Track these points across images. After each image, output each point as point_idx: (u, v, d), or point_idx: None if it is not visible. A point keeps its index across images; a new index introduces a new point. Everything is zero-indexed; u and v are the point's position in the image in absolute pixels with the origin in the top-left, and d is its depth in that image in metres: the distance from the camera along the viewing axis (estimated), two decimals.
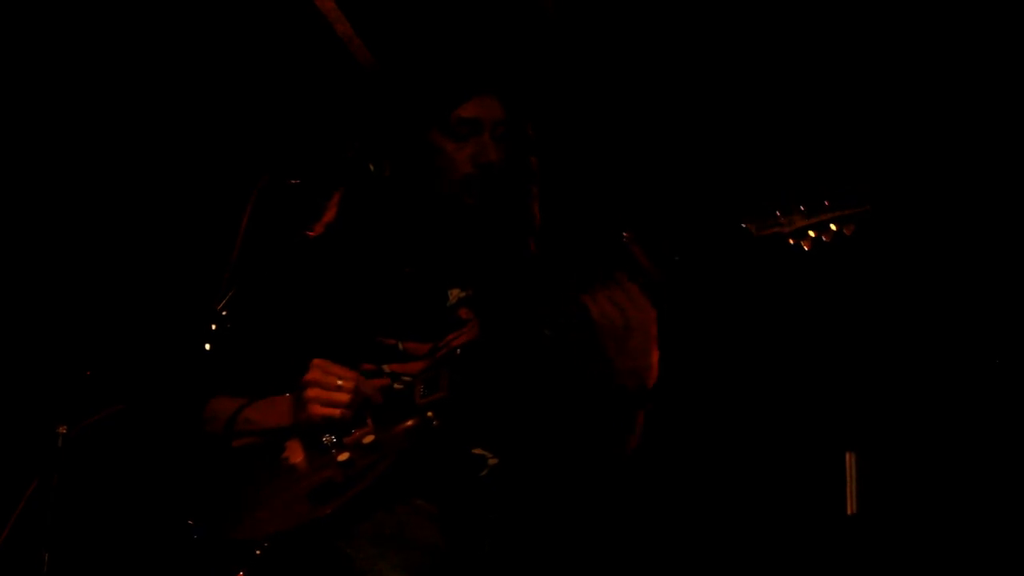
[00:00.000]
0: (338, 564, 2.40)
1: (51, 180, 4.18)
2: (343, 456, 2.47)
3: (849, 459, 3.20)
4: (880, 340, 3.37)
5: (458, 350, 2.52)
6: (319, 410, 2.48)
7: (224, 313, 2.53)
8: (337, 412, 2.48)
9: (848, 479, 3.20)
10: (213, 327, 2.52)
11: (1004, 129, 3.31)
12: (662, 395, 2.49)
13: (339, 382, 2.49)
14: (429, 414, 2.48)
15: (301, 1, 3.86)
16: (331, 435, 2.50)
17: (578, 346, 2.46)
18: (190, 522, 2.49)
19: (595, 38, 3.77)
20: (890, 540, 3.27)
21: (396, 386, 2.54)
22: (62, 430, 2.88)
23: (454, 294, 2.68)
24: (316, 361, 2.51)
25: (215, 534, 2.49)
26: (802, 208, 2.43)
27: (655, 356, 2.44)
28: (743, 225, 2.42)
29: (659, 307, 2.44)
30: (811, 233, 2.42)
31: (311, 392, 2.48)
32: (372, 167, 2.65)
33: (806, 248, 2.42)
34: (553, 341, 2.48)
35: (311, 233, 2.69)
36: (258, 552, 2.42)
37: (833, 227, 2.41)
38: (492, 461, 2.57)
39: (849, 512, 3.22)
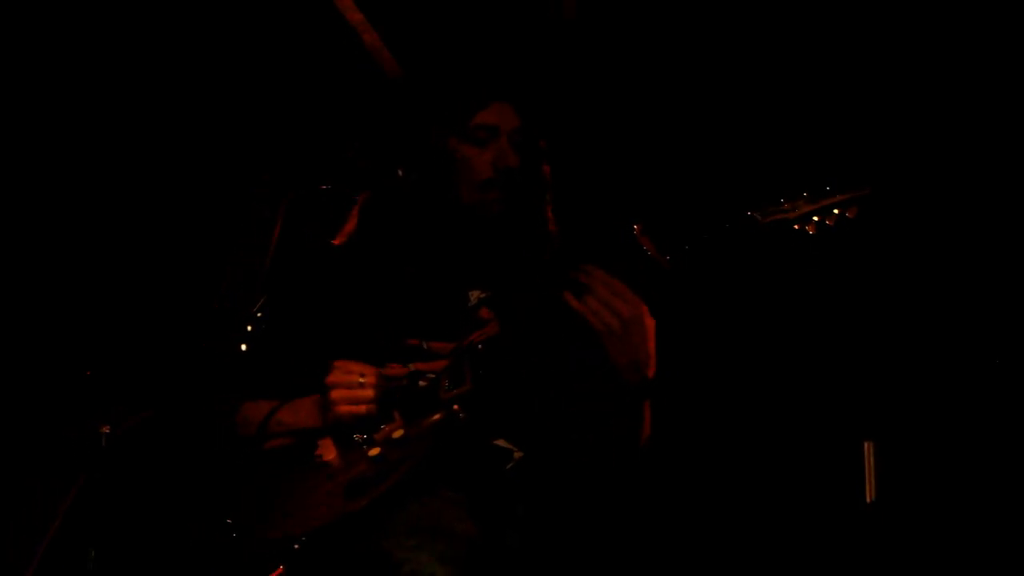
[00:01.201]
0: (376, 558, 2.47)
1: (88, 187, 4.26)
2: (374, 451, 2.56)
3: (868, 448, 3.25)
4: (889, 322, 3.42)
5: (479, 345, 2.60)
6: (345, 408, 2.57)
7: (259, 316, 2.63)
8: (363, 409, 2.57)
9: (867, 467, 3.25)
10: (249, 329, 2.61)
11: (1002, 116, 3.37)
12: (677, 384, 2.56)
13: (360, 379, 2.58)
14: (455, 407, 2.56)
15: (330, 12, 3.94)
16: (361, 432, 2.59)
17: (578, 352, 2.56)
18: (228, 521, 2.58)
19: (603, 38, 3.85)
20: (908, 527, 3.32)
21: (422, 383, 2.63)
22: (105, 430, 2.97)
23: (474, 295, 2.77)
24: (336, 362, 2.60)
25: (253, 532, 2.57)
26: (805, 194, 2.49)
27: (652, 347, 2.50)
28: (749, 213, 2.49)
29: (669, 295, 2.52)
30: (815, 218, 2.47)
31: (335, 393, 2.57)
32: (400, 172, 2.75)
33: (811, 232, 2.47)
34: (567, 338, 2.56)
35: (335, 241, 2.79)
36: (296, 547, 2.50)
37: (836, 211, 2.47)
38: (517, 455, 2.66)
39: (868, 500, 3.27)
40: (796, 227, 2.49)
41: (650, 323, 2.49)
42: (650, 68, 3.74)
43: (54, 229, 4.05)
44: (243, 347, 2.68)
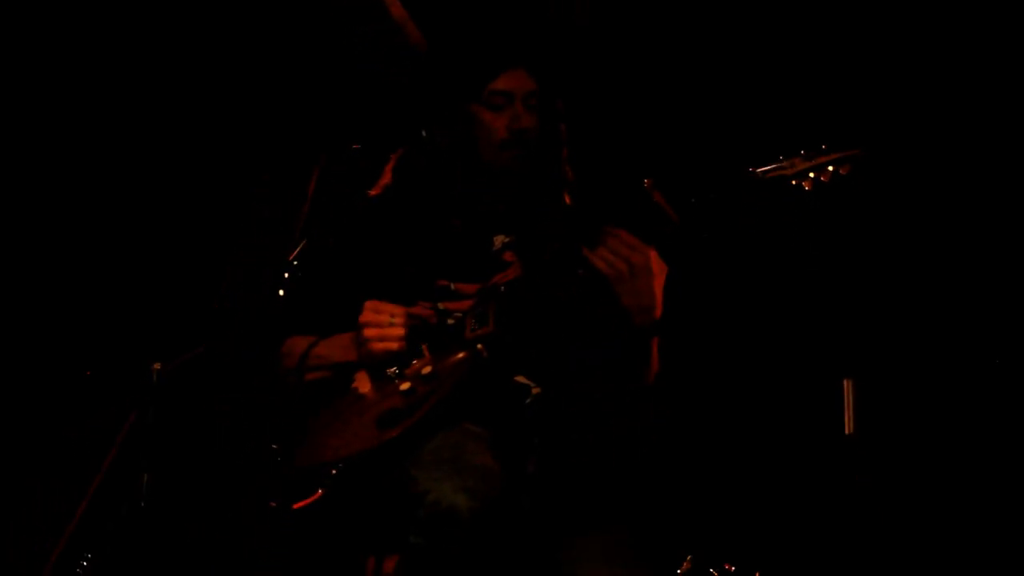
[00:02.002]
0: (404, 483, 2.61)
1: (141, 160, 4.39)
2: (405, 385, 2.74)
3: (847, 385, 3.47)
4: (875, 271, 3.62)
5: (502, 287, 2.80)
6: (377, 346, 2.75)
7: (295, 263, 2.82)
8: (394, 346, 2.75)
9: (846, 403, 3.46)
10: (286, 275, 2.80)
11: (991, 88, 3.55)
12: (680, 326, 2.75)
13: (391, 318, 2.77)
14: (479, 347, 2.74)
15: None
16: (394, 367, 2.78)
17: (593, 295, 2.72)
18: (274, 446, 2.78)
19: (614, 18, 4.02)
20: (885, 459, 3.54)
21: (449, 321, 2.82)
22: (157, 367, 3.15)
23: (498, 240, 2.97)
24: (368, 303, 2.79)
25: (294, 459, 2.77)
26: (802, 152, 2.66)
27: (659, 290, 2.67)
28: (750, 169, 2.67)
29: (677, 244, 2.70)
30: (811, 174, 2.65)
31: (368, 331, 2.76)
32: (424, 134, 2.96)
33: (807, 188, 2.65)
34: (586, 280, 2.76)
35: (372, 192, 2.99)
36: (334, 472, 2.71)
37: (831, 168, 2.64)
38: (535, 390, 2.83)
39: (847, 432, 3.48)
40: (793, 182, 2.66)
41: (657, 269, 2.67)
42: (659, 41, 3.91)
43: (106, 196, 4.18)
44: (280, 292, 2.87)
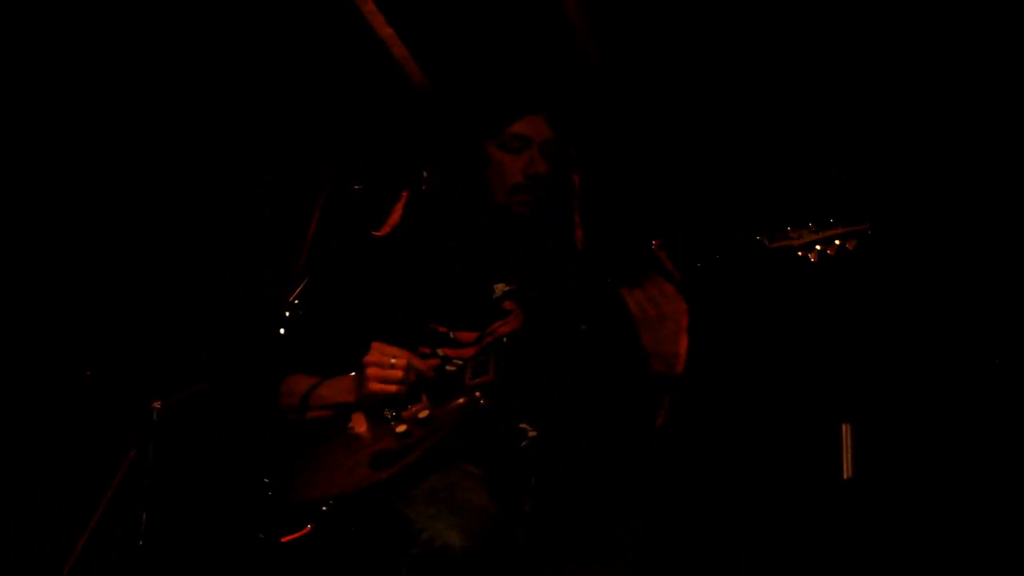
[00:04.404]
0: (397, 523, 2.62)
1: (150, 180, 4.41)
2: (401, 428, 2.76)
3: (845, 429, 3.52)
4: (876, 336, 3.67)
5: (504, 339, 2.81)
6: (377, 386, 2.77)
7: (297, 302, 2.83)
8: (393, 388, 2.77)
9: (844, 447, 3.52)
10: (287, 314, 2.81)
11: (996, 150, 3.59)
12: (689, 380, 2.76)
13: (393, 360, 2.78)
14: (477, 394, 2.76)
15: (362, 27, 4.11)
16: (391, 410, 2.79)
17: (617, 335, 2.72)
18: (266, 480, 2.79)
19: (630, 74, 4.05)
20: (882, 502, 3.59)
21: (448, 368, 2.83)
22: (156, 405, 3.14)
23: (499, 288, 2.97)
24: (375, 344, 2.80)
25: (287, 494, 2.77)
26: (810, 225, 2.69)
27: (684, 345, 2.69)
28: (758, 237, 2.70)
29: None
30: (818, 247, 2.68)
31: (371, 371, 2.78)
32: (426, 174, 2.97)
33: (812, 259, 2.68)
34: (588, 333, 2.77)
35: (377, 233, 3.00)
36: (324, 509, 2.70)
37: (837, 242, 2.67)
38: (531, 434, 2.84)
39: (845, 477, 3.53)
40: (800, 253, 2.69)
41: (685, 323, 2.69)
42: (673, 102, 3.95)
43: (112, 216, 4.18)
44: (280, 331, 2.87)
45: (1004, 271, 3.58)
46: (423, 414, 2.78)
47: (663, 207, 3.77)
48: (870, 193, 3.33)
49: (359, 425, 2.81)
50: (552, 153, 2.98)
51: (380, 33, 4.16)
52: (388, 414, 2.80)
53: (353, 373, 2.83)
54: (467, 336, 2.89)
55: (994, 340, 3.58)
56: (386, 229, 3.01)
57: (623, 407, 2.80)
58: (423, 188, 2.96)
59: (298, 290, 2.87)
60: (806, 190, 3.37)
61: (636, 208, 3.77)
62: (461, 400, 2.78)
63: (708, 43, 3.92)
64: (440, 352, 2.87)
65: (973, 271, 3.55)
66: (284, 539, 2.72)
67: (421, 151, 3.04)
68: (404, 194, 3.01)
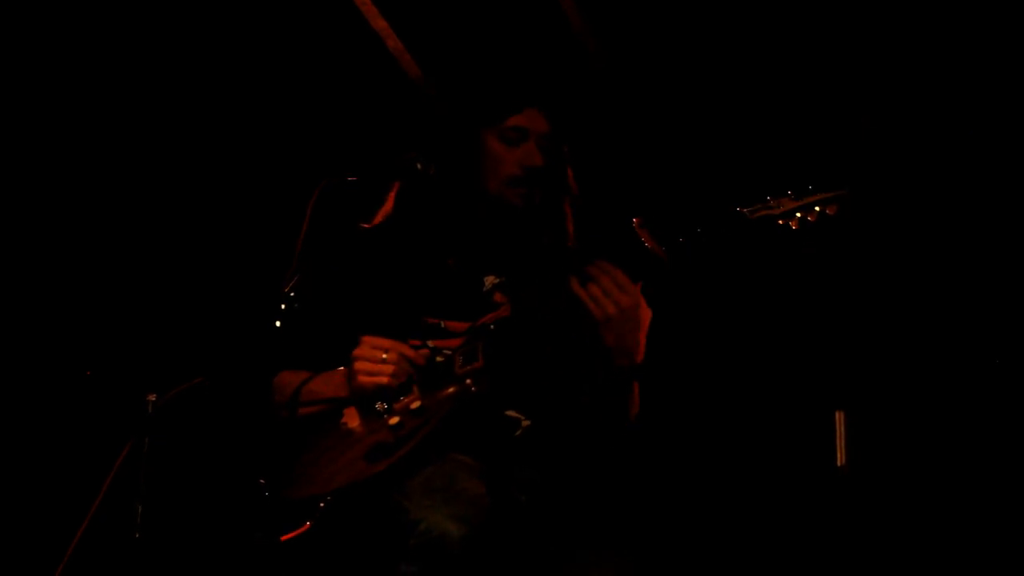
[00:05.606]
0: (394, 513, 2.62)
1: (146, 177, 4.44)
2: (393, 420, 2.76)
3: (839, 416, 3.50)
4: (861, 307, 3.66)
5: (491, 325, 2.81)
6: (368, 379, 2.78)
7: (291, 295, 2.84)
8: (384, 380, 2.77)
9: (837, 435, 3.50)
10: (282, 307, 2.82)
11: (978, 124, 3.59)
12: (672, 359, 2.77)
13: (383, 354, 2.79)
14: (468, 382, 2.77)
15: (356, 21, 4.13)
16: (383, 402, 2.80)
17: (581, 335, 2.75)
18: (262, 481, 2.79)
19: (630, 74, 4.06)
20: (874, 489, 3.58)
21: (438, 359, 2.84)
22: (151, 398, 3.16)
23: (489, 280, 2.98)
24: (364, 337, 2.81)
25: (284, 491, 2.77)
26: (789, 193, 2.70)
27: (643, 336, 2.72)
28: (738, 209, 2.70)
29: (665, 282, 2.73)
30: (798, 214, 2.68)
31: (360, 364, 2.79)
32: (420, 166, 2.98)
33: (793, 227, 2.68)
34: (559, 331, 2.78)
35: (367, 225, 3.01)
36: (322, 505, 2.70)
37: (817, 208, 2.68)
38: (525, 423, 2.85)
39: (838, 464, 3.51)
40: (780, 222, 2.70)
41: (644, 315, 2.71)
42: (655, 88, 3.96)
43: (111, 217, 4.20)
44: (276, 323, 2.88)
45: (999, 259, 3.58)
46: (415, 405, 2.79)
47: (644, 186, 3.78)
48: (849, 157, 3.34)
49: (352, 419, 2.82)
50: (548, 147, 3.00)
51: (374, 25, 4.17)
52: (380, 407, 2.81)
53: (343, 367, 2.83)
54: (458, 327, 2.90)
55: (989, 327, 3.58)
56: (378, 219, 3.01)
57: (595, 401, 2.82)
58: (415, 178, 2.97)
59: (292, 283, 2.87)
60: (783, 158, 3.37)
61: (617, 190, 3.77)
62: (452, 388, 2.79)
63: (705, 38, 3.93)
64: (430, 343, 2.88)
65: (967, 257, 3.55)
66: (283, 538, 2.72)
67: (415, 141, 3.04)
68: (396, 184, 3.02)
